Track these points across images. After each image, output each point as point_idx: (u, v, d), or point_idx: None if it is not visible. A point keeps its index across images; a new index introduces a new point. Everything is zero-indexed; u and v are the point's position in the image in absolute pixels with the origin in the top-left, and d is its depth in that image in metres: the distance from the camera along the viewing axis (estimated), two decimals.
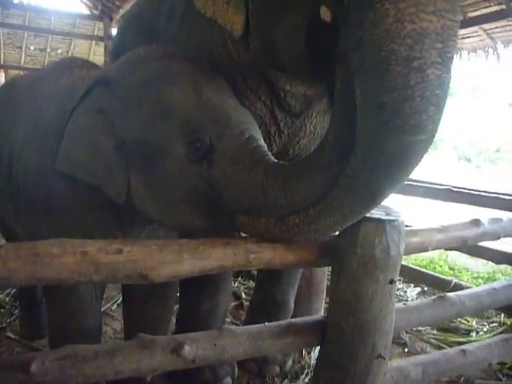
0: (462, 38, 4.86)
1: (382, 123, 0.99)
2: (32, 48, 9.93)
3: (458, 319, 2.93)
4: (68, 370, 1.20)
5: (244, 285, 3.43)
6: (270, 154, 1.36)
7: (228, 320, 2.72)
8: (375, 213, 1.32)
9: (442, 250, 4.36)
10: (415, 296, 3.48)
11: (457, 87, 19.10)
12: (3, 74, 10.05)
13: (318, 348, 2.27)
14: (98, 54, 9.58)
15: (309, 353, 2.47)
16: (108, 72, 1.58)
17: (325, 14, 1.12)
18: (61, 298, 1.68)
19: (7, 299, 2.99)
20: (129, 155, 1.41)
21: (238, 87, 1.64)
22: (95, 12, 8.24)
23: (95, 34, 9.07)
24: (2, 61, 10.04)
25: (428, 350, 2.67)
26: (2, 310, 2.86)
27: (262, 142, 1.39)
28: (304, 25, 1.24)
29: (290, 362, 2.32)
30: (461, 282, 3.41)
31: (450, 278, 3.40)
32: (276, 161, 1.33)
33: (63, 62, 2.18)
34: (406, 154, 1.04)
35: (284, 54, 1.39)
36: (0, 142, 1.91)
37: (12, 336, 2.53)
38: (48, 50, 9.85)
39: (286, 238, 1.29)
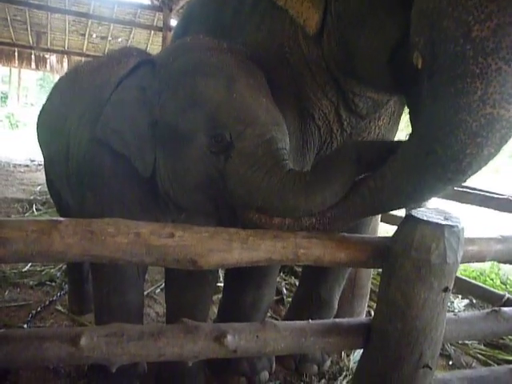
0: None
1: (424, 166, 1.09)
2: (94, 36, 10.34)
3: (509, 336, 2.78)
4: (114, 348, 1.23)
5: (285, 280, 3.40)
6: (288, 159, 1.41)
7: (268, 315, 2.71)
8: (434, 216, 1.26)
9: (494, 263, 4.16)
10: (463, 308, 3.34)
11: None
12: (66, 60, 10.51)
13: (358, 351, 2.25)
14: (155, 44, 9.83)
15: (348, 355, 2.42)
16: (157, 55, 1.66)
17: (417, 60, 1.11)
18: (105, 274, 1.77)
19: (58, 274, 3.13)
20: (159, 135, 1.51)
21: (305, 81, 1.63)
22: (156, 2, 8.45)
23: (155, 24, 9.31)
24: (66, 47, 10.52)
25: (474, 365, 2.55)
26: (53, 284, 3.00)
27: (283, 144, 1.43)
28: (392, 44, 1.24)
29: (328, 363, 2.29)
30: None
31: (501, 293, 3.22)
32: (292, 167, 1.39)
33: (121, 51, 2.30)
34: (428, 193, 1.19)
35: (363, 64, 1.38)
36: (60, 123, 2.03)
37: (61, 310, 2.65)
38: (109, 38, 10.23)
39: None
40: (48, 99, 2.46)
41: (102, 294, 1.82)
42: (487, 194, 3.27)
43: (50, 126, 2.25)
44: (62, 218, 1.17)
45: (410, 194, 1.18)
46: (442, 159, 1.04)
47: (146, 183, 1.60)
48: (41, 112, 2.47)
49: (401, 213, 3.33)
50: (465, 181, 1.11)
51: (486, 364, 2.53)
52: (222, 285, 2.48)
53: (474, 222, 4.19)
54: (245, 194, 1.36)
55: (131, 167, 1.58)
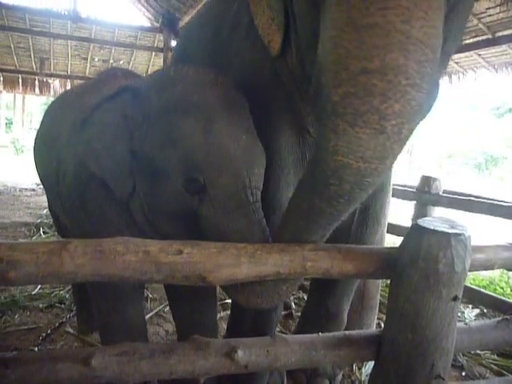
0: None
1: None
2: (96, 59, 10.49)
3: None
4: (126, 366, 1.24)
5: (294, 295, 3.38)
6: (258, 201, 1.47)
7: (278, 330, 2.70)
8: (440, 225, 1.27)
9: (504, 271, 4.12)
10: (473, 317, 3.30)
11: None
12: (70, 84, 10.65)
13: (370, 363, 2.23)
14: (157, 65, 9.96)
15: (359, 368, 2.39)
16: (140, 82, 1.70)
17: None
18: (103, 294, 1.80)
19: (67, 295, 3.13)
20: (138, 165, 1.56)
21: (295, 97, 1.66)
22: (156, 24, 8.59)
23: (155, 45, 9.45)
24: (69, 71, 10.67)
25: (487, 375, 2.51)
26: (63, 306, 3.00)
27: (257, 184, 1.47)
28: None
29: (340, 376, 2.26)
30: None
31: None
32: (262, 218, 1.48)
33: (108, 72, 2.37)
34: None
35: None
36: (51, 144, 2.10)
37: (71, 331, 2.64)
38: (111, 61, 10.37)
39: None
40: (41, 122, 2.52)
41: (103, 314, 1.86)
42: (494, 202, 3.25)
43: (42, 147, 2.32)
44: (71, 239, 1.18)
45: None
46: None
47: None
48: (36, 135, 2.54)
49: (407, 223, 3.33)
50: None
51: (499, 374, 2.50)
52: (230, 301, 2.47)
53: (482, 231, 4.19)
54: (216, 237, 1.39)
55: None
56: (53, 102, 2.62)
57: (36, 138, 2.52)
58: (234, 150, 1.43)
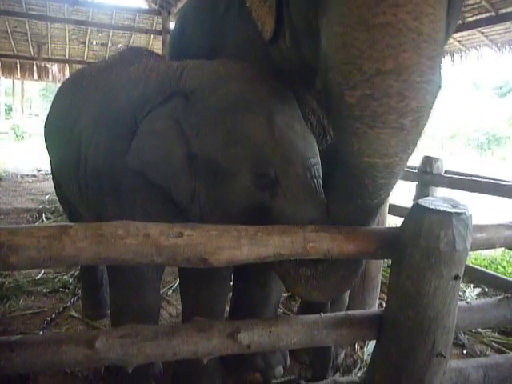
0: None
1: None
2: (94, 43, 10.37)
3: None
4: (129, 348, 1.25)
5: None
6: (324, 197, 1.46)
7: (280, 311, 2.72)
8: (441, 204, 1.26)
9: (506, 250, 4.14)
10: (475, 297, 3.32)
11: None
12: (68, 68, 10.57)
13: (372, 343, 2.25)
14: (155, 48, 9.83)
15: (361, 347, 2.42)
16: (186, 81, 1.64)
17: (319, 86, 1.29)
18: (125, 279, 1.78)
19: (71, 280, 3.16)
20: (198, 167, 1.53)
21: (287, 77, 1.65)
22: (154, 6, 8.47)
23: (153, 28, 9.32)
24: (67, 56, 10.57)
25: (488, 353, 2.54)
26: (67, 291, 3.02)
27: (319, 171, 1.47)
28: None
29: (342, 356, 2.29)
30: None
31: None
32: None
33: (130, 51, 2.29)
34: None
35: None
36: (69, 127, 2.01)
37: (76, 315, 2.67)
38: (109, 44, 10.25)
39: None
40: (53, 105, 2.45)
41: (122, 299, 1.84)
42: (496, 182, 3.24)
43: (57, 131, 2.23)
44: (71, 223, 1.19)
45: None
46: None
47: (166, 196, 1.61)
48: (47, 119, 2.47)
49: (408, 204, 3.32)
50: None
51: (500, 352, 2.53)
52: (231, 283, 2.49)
53: (484, 211, 4.18)
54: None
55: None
56: (65, 84, 2.53)
57: (47, 122, 2.45)
58: (297, 140, 1.44)
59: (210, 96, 1.53)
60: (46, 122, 2.48)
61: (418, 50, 1.01)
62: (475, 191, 3.31)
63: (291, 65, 1.61)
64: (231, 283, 2.22)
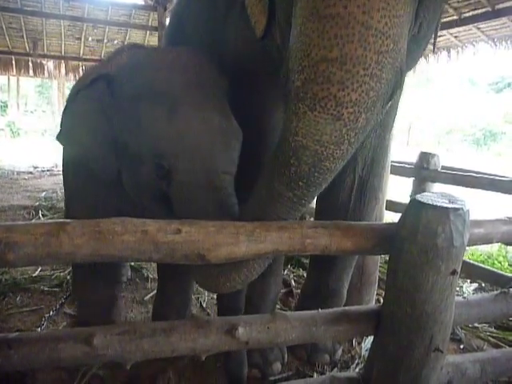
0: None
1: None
2: (90, 39, 10.30)
3: None
4: (127, 345, 1.25)
5: (294, 273, 3.41)
6: (229, 194, 1.48)
7: (278, 307, 2.72)
8: (438, 200, 1.26)
9: (502, 246, 4.15)
10: (472, 292, 3.33)
11: None
12: (64, 65, 10.51)
13: (369, 338, 2.26)
14: (152, 44, 9.79)
15: (359, 343, 2.43)
16: (112, 67, 1.71)
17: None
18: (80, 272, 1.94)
19: (68, 277, 3.14)
20: (119, 151, 1.62)
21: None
22: (150, 2, 8.42)
23: (150, 24, 9.27)
24: (63, 52, 10.50)
25: (485, 348, 2.55)
26: (64, 288, 3.01)
27: (223, 177, 1.47)
28: None
29: (339, 351, 2.29)
30: None
31: (510, 275, 3.22)
32: (234, 204, 1.48)
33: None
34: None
35: None
36: None
37: (71, 312, 2.66)
38: (105, 40, 10.18)
39: None
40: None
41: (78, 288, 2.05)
42: (493, 177, 3.25)
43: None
44: (69, 220, 1.18)
45: None
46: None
47: (122, 189, 1.69)
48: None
49: (406, 200, 3.33)
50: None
51: (497, 346, 2.53)
52: None
53: (481, 207, 4.19)
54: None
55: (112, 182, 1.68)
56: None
57: None
58: (200, 135, 1.45)
59: (126, 83, 1.57)
60: None
61: (364, 43, 1.03)
62: (472, 187, 3.31)
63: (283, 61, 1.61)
64: None
